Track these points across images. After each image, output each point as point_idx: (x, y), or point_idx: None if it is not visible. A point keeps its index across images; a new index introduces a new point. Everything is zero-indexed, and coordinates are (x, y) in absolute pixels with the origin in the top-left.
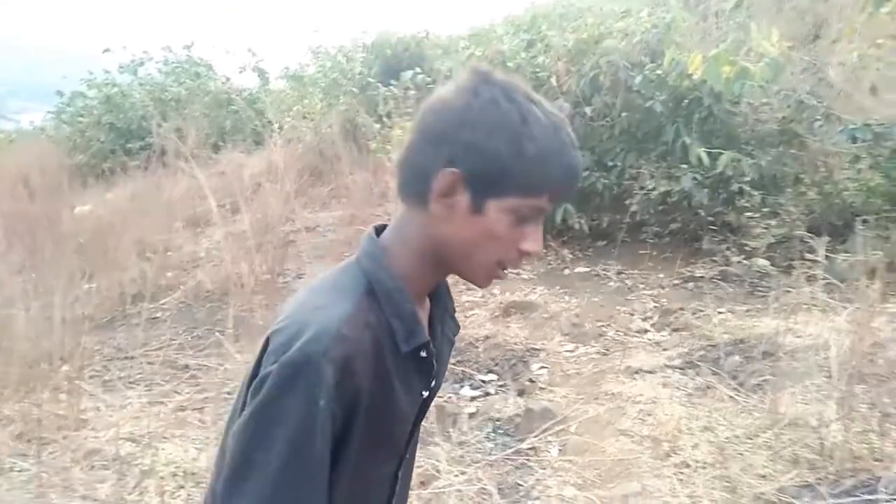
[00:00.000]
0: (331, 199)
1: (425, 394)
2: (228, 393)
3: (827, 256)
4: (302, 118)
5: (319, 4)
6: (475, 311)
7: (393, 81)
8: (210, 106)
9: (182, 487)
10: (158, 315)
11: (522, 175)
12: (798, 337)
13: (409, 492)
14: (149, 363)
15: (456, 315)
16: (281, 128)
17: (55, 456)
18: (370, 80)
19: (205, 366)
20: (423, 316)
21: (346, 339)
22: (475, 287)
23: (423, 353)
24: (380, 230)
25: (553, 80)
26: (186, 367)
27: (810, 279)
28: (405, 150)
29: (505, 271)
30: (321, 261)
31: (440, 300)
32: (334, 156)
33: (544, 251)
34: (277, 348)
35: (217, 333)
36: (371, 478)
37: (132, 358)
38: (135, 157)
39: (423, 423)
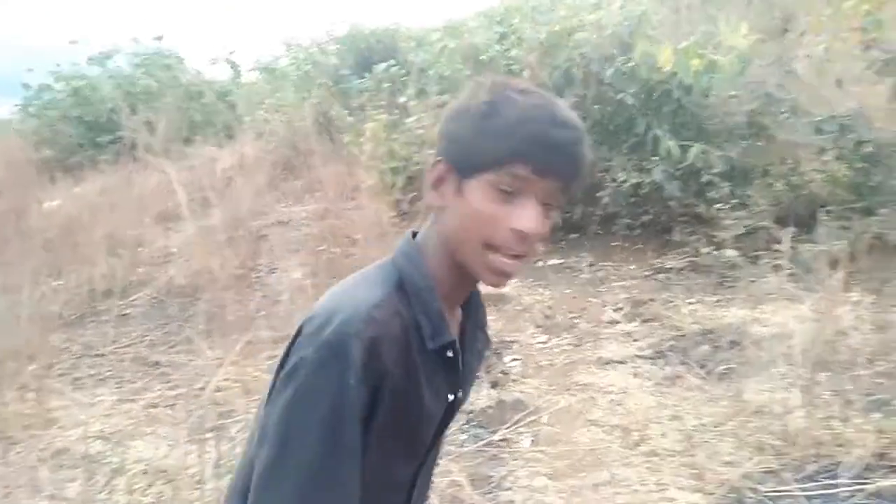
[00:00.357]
0: (304, 193)
1: (451, 397)
2: (200, 389)
3: (792, 247)
4: (275, 111)
5: None
6: None
7: (366, 74)
8: (181, 98)
9: (152, 485)
10: (129, 311)
11: (486, 147)
12: (764, 326)
13: None
14: (119, 360)
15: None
16: (253, 121)
17: (22, 455)
18: (343, 72)
19: (176, 362)
20: (454, 325)
21: (376, 321)
22: (491, 287)
23: (450, 353)
24: (415, 234)
25: (526, 73)
26: (157, 363)
27: (777, 269)
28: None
29: (509, 262)
30: (294, 255)
31: (472, 313)
32: (307, 149)
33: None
34: (311, 333)
35: (188, 329)
36: (387, 478)
37: (102, 355)
38: (104, 151)
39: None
